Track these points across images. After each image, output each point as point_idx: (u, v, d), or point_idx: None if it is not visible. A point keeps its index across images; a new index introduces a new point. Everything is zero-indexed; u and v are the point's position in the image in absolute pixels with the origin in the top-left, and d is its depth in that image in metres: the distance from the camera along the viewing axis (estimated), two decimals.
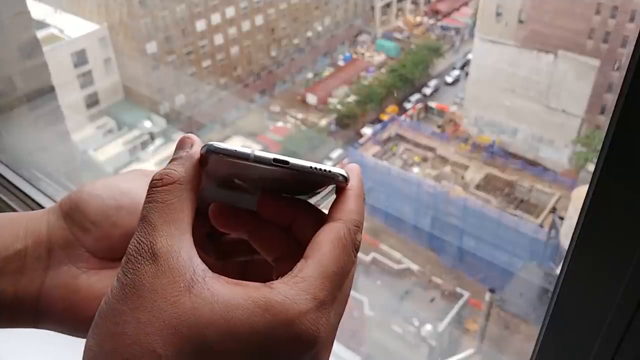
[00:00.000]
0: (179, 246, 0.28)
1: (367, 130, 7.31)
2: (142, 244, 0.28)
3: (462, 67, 7.98)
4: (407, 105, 7.70)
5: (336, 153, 6.94)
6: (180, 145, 0.32)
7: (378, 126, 7.36)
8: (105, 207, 0.36)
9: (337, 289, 0.29)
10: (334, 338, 0.30)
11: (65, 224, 0.36)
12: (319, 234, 0.30)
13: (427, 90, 7.79)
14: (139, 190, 0.36)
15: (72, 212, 0.36)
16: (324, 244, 0.29)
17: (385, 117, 7.48)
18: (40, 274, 0.36)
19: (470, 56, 7.77)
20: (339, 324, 0.30)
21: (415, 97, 7.80)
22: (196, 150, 0.31)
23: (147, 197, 0.29)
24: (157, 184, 0.29)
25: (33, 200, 1.07)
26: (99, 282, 0.36)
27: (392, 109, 7.62)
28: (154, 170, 0.38)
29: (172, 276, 0.27)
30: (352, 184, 0.32)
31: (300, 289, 0.27)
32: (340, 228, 0.30)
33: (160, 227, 0.28)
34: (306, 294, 0.27)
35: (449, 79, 7.91)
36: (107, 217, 0.36)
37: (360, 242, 0.31)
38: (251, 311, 0.26)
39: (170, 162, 0.31)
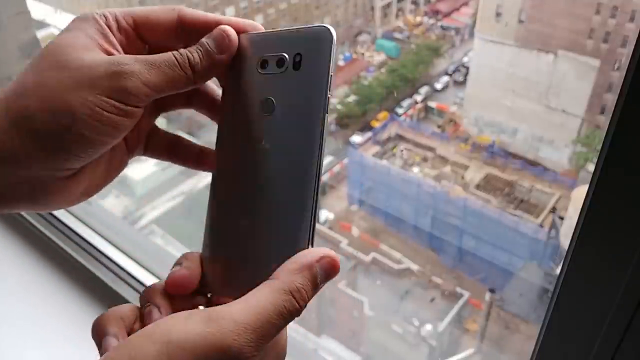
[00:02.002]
0: None
1: (356, 139, 7.13)
2: None
3: (451, 74, 7.96)
4: (400, 111, 7.65)
5: (326, 160, 6.79)
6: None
7: (371, 131, 7.22)
8: (55, 126, 0.32)
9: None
10: None
11: (15, 134, 0.33)
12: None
13: (418, 97, 7.77)
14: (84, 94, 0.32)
15: (23, 123, 0.33)
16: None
17: (376, 124, 7.34)
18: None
19: (465, 60, 7.75)
20: None
21: (406, 102, 7.77)
22: None
23: None
24: None
25: None
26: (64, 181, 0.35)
27: (383, 115, 7.56)
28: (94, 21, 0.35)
29: None
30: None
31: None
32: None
33: None
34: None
35: (439, 86, 7.90)
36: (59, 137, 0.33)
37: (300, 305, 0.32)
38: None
39: None
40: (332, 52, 0.34)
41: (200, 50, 0.35)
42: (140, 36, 0.37)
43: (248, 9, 8.59)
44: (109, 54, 0.35)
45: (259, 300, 0.30)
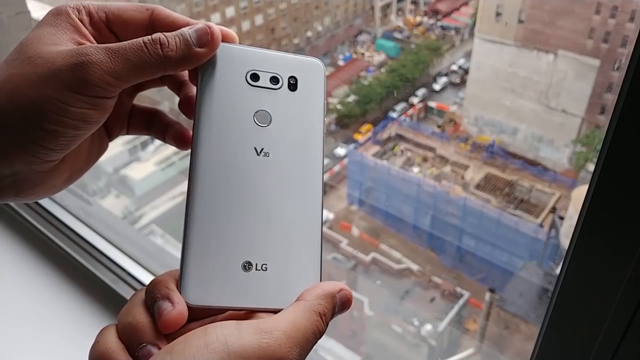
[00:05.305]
0: None
1: (340, 151, 6.89)
2: None
3: (447, 74, 7.95)
4: (394, 115, 7.60)
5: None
6: None
7: (353, 144, 7.03)
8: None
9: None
10: None
11: None
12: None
13: (415, 100, 7.75)
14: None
15: None
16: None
17: (359, 137, 7.12)
18: None
19: (455, 66, 7.74)
20: None
21: (401, 106, 7.74)
22: None
23: None
24: None
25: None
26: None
27: (367, 127, 7.41)
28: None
29: None
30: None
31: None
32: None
33: None
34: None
35: (437, 87, 7.87)
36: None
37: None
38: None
39: None
40: (325, 83, 0.38)
41: (179, 37, 0.35)
42: (112, 31, 0.37)
43: (248, 9, 8.59)
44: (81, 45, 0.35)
45: (299, 318, 0.32)
